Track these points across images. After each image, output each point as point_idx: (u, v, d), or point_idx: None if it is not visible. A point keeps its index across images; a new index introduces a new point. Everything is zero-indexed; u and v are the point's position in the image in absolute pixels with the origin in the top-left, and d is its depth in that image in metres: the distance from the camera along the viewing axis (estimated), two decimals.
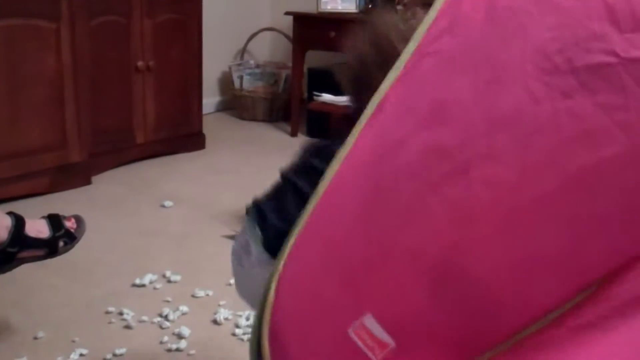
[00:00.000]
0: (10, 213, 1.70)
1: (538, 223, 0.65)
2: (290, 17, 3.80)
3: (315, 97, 3.16)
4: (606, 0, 0.65)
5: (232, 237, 2.44)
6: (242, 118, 4.23)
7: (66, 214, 1.89)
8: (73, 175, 2.88)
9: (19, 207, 2.52)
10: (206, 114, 3.77)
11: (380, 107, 0.78)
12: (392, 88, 0.78)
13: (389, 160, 0.74)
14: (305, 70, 3.95)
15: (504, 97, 0.68)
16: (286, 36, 4.30)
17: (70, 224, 1.80)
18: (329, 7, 3.66)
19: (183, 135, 3.47)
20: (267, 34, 4.53)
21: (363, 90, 1.29)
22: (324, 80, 3.61)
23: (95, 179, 2.99)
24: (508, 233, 0.66)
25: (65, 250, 1.78)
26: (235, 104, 4.31)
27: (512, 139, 0.66)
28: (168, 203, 2.75)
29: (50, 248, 1.74)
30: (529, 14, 0.69)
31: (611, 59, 0.63)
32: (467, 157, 0.68)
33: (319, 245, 0.79)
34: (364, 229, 0.74)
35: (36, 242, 1.71)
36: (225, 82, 4.40)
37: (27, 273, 1.92)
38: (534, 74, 0.66)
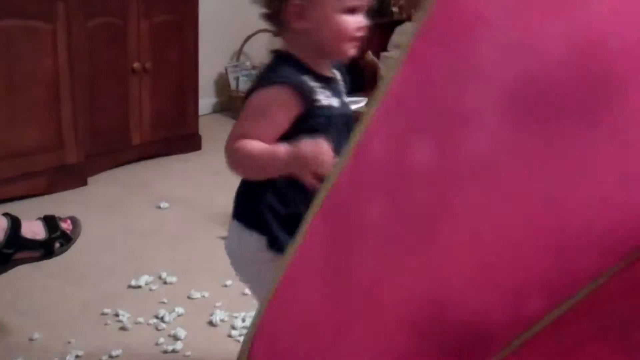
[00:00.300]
0: (6, 214, 1.71)
1: (520, 258, 0.64)
2: None
3: None
4: (570, 28, 0.63)
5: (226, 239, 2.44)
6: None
7: (62, 215, 1.89)
8: (69, 176, 2.88)
9: (15, 207, 2.52)
10: (202, 115, 3.77)
11: (329, 196, 0.76)
12: (343, 172, 0.75)
13: (349, 224, 0.72)
14: None
15: (472, 150, 0.66)
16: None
17: (66, 226, 1.81)
18: None
19: (179, 137, 3.47)
20: (264, 35, 4.52)
21: (276, 23, 1.30)
22: None
23: (91, 179, 2.99)
24: (489, 273, 0.66)
25: (61, 252, 1.79)
26: (231, 106, 4.31)
27: (484, 191, 0.65)
28: (164, 204, 2.75)
29: (46, 249, 1.75)
30: (494, 59, 0.67)
31: (585, 82, 0.62)
32: (439, 218, 0.67)
33: (287, 319, 0.77)
34: (330, 295, 0.73)
35: (32, 244, 1.72)
36: (222, 84, 4.40)
37: (23, 274, 1.93)
38: (503, 120, 0.65)
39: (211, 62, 4.13)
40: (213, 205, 2.74)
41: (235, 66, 4.30)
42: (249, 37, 4.42)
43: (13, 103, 2.64)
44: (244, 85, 4.20)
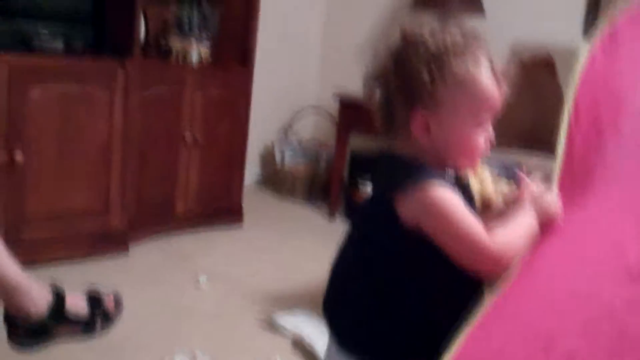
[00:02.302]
0: (52, 285, 1.70)
1: None
2: (337, 97, 3.82)
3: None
4: None
5: (264, 321, 2.41)
6: (281, 194, 4.23)
7: (102, 282, 1.88)
8: (112, 242, 2.88)
9: (55, 271, 2.52)
10: (245, 186, 3.77)
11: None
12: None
13: None
14: (348, 152, 3.95)
15: None
16: (331, 116, 4.33)
17: (108, 302, 1.79)
18: None
19: (222, 209, 3.47)
20: (313, 111, 4.57)
21: (390, 125, 1.19)
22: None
23: (133, 246, 2.98)
24: None
25: (102, 332, 1.77)
26: (274, 179, 4.32)
27: None
28: (203, 279, 2.73)
29: (87, 325, 1.73)
30: None
31: None
32: None
33: None
34: None
35: (75, 318, 1.71)
36: (267, 157, 4.43)
37: (60, 345, 1.90)
38: None
39: (259, 134, 4.16)
40: (252, 284, 2.72)
41: (283, 141, 4.32)
42: (298, 113, 4.47)
43: (64, 165, 2.67)
44: (290, 160, 4.22)
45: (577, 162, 1.08)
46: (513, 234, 1.09)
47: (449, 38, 1.13)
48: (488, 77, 1.12)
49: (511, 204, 1.16)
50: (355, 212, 1.31)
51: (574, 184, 1.06)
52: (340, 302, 1.21)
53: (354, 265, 1.21)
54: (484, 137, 1.15)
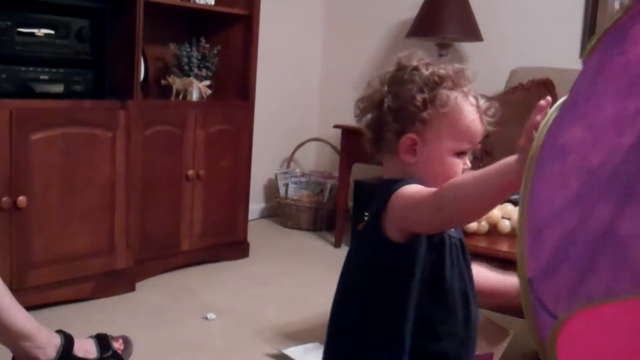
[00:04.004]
0: (59, 331, 1.70)
1: None
2: (337, 129, 3.84)
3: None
4: None
5: (274, 356, 2.39)
6: (286, 226, 4.23)
7: (108, 322, 1.87)
8: (117, 281, 2.87)
9: (61, 312, 2.52)
10: (250, 220, 3.77)
11: None
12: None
13: None
14: (351, 182, 3.95)
15: None
16: (333, 147, 4.34)
17: (117, 345, 1.78)
18: None
19: (228, 243, 3.47)
20: (313, 144, 4.58)
21: (378, 145, 1.25)
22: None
23: (139, 285, 2.97)
24: None
25: None
26: (279, 212, 4.32)
27: None
28: (211, 315, 2.71)
29: None
30: None
31: None
32: None
33: None
34: None
35: None
36: (271, 190, 4.43)
37: None
38: None
39: (262, 168, 4.17)
40: (259, 319, 2.70)
41: (285, 173, 4.33)
42: (299, 146, 4.48)
43: (68, 207, 2.67)
44: (293, 192, 4.22)
45: None
46: (460, 180, 1.08)
47: (443, 72, 1.22)
48: (473, 112, 1.21)
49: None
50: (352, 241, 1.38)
51: None
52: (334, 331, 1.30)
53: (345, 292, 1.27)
54: (461, 167, 1.21)
